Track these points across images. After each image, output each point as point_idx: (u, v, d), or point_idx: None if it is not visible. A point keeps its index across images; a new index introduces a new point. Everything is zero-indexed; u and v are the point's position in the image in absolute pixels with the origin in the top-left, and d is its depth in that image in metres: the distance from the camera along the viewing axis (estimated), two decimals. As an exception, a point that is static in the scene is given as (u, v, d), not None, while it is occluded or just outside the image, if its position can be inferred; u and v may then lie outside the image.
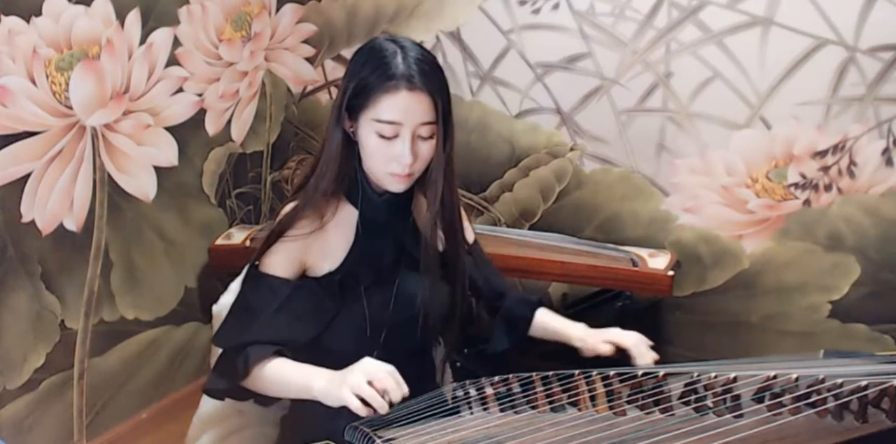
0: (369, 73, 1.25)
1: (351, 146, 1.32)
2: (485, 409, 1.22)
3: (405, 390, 1.15)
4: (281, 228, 1.32)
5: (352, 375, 1.14)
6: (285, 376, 1.25)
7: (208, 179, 2.40)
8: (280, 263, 1.31)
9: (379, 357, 1.29)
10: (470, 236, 1.50)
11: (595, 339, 1.42)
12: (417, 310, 1.37)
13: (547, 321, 1.51)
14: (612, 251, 2.21)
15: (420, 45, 1.30)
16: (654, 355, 1.39)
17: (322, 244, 1.34)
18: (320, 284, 1.33)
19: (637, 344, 1.40)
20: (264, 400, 1.34)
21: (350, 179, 1.34)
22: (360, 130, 1.28)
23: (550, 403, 1.22)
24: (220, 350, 1.48)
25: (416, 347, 1.43)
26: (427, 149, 1.28)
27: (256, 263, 1.34)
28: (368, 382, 1.13)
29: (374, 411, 1.13)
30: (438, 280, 1.39)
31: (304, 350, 1.31)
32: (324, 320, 1.32)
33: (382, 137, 1.26)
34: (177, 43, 2.18)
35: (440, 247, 1.40)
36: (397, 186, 1.31)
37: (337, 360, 1.24)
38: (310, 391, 1.20)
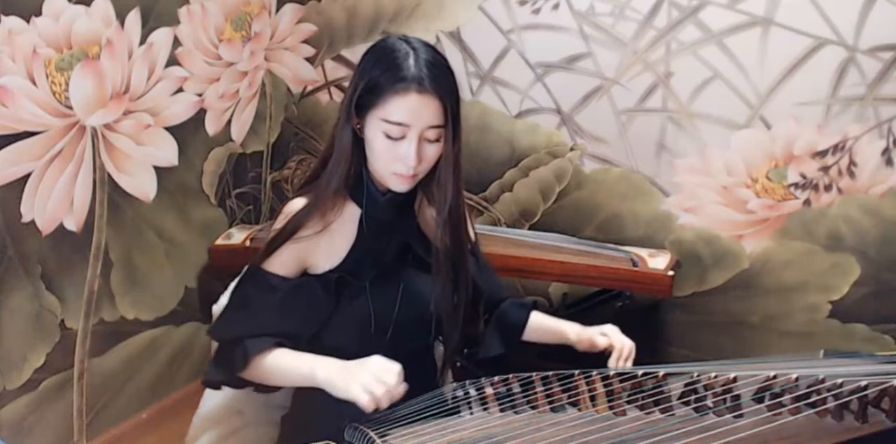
0: (380, 72, 1.25)
1: (358, 144, 1.32)
2: (485, 409, 1.23)
3: (401, 390, 1.16)
4: (292, 228, 1.32)
5: (363, 374, 1.15)
6: (287, 364, 1.26)
7: (208, 179, 2.40)
8: (282, 262, 1.32)
9: (384, 356, 1.28)
10: (472, 235, 1.50)
11: (591, 332, 1.45)
12: (424, 310, 1.37)
13: (542, 322, 1.52)
14: (612, 251, 2.20)
15: (432, 47, 1.29)
16: (627, 366, 1.41)
17: (325, 243, 1.34)
18: (319, 281, 1.33)
19: (622, 348, 1.42)
20: (265, 388, 1.34)
21: (355, 177, 1.34)
22: (367, 128, 1.28)
23: (550, 403, 1.22)
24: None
25: (419, 346, 1.44)
26: (433, 151, 1.28)
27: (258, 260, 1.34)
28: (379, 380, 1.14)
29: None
30: (446, 282, 1.39)
31: (307, 348, 1.31)
32: (320, 318, 1.33)
33: (389, 137, 1.26)
34: (177, 43, 2.18)
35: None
36: (401, 186, 1.31)
37: (342, 357, 1.23)
38: (313, 378, 1.21)
